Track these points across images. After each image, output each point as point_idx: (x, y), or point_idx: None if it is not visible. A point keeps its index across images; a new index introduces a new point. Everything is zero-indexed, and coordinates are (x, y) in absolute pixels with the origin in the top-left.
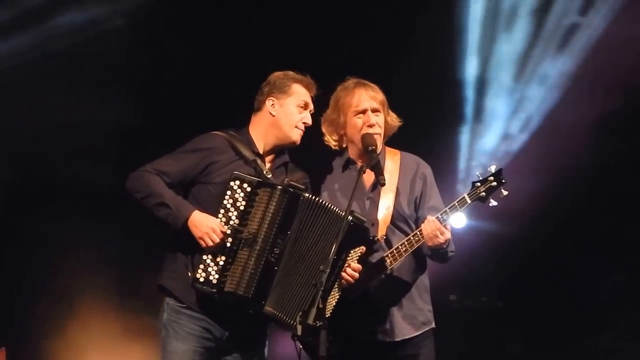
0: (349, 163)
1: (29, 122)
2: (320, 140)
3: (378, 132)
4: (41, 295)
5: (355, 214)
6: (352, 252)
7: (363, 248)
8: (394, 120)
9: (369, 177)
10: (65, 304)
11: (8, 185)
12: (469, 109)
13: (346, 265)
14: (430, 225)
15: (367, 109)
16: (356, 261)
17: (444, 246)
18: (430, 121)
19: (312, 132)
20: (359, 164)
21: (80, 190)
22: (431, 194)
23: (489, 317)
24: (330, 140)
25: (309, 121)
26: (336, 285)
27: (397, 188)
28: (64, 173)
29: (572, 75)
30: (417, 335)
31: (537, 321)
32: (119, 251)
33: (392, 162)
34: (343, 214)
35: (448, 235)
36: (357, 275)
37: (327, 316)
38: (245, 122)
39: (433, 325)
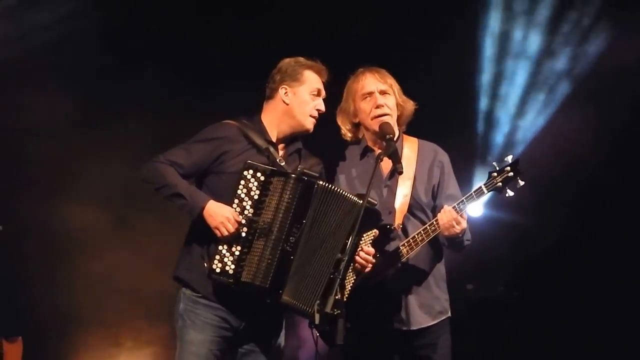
0: (366, 151)
1: None
2: (337, 127)
3: (387, 113)
4: (58, 286)
5: (368, 199)
6: (364, 235)
7: (376, 231)
8: (408, 104)
9: (386, 165)
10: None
11: None
12: (484, 97)
13: (359, 249)
14: (446, 215)
15: (373, 91)
16: (369, 245)
17: (460, 235)
18: (446, 108)
19: (329, 119)
20: (377, 151)
21: None
22: (449, 182)
23: (505, 306)
24: (346, 132)
25: (323, 108)
26: (350, 270)
27: (415, 176)
28: None
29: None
30: (434, 324)
31: (553, 310)
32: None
33: (410, 150)
34: (359, 201)
35: (464, 224)
36: (370, 258)
37: (343, 301)
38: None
39: (449, 314)
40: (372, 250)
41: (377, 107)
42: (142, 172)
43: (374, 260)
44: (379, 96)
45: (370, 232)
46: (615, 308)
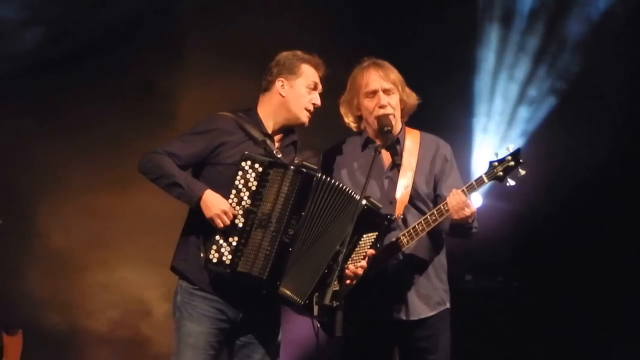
0: (368, 142)
1: None
2: (337, 118)
3: (390, 113)
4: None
5: (371, 199)
6: (364, 236)
7: (377, 234)
8: (411, 98)
9: (387, 156)
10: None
11: None
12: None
13: (358, 248)
14: (455, 198)
15: (377, 90)
16: (369, 246)
17: (470, 221)
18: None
19: (330, 111)
20: (378, 143)
21: None
22: (450, 174)
23: (504, 297)
24: (350, 122)
25: (318, 102)
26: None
27: (416, 167)
28: None
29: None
30: (433, 315)
31: (552, 301)
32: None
33: (412, 141)
34: (357, 195)
35: (474, 208)
36: (360, 272)
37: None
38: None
39: (448, 305)
40: (363, 263)
41: (381, 106)
42: (140, 164)
43: (360, 272)
44: (383, 95)
45: (372, 234)
46: (615, 298)
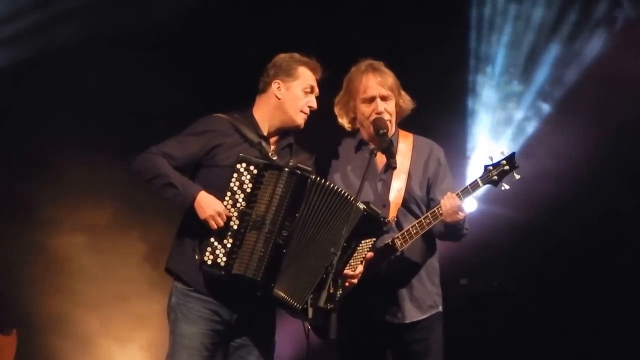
0: (361, 144)
1: None
2: (332, 121)
3: (387, 119)
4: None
5: (370, 205)
6: (363, 242)
7: (374, 239)
8: (407, 103)
9: (381, 158)
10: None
11: None
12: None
13: (357, 254)
14: (450, 201)
15: (375, 96)
16: (367, 251)
17: (461, 222)
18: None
19: (324, 113)
20: (371, 145)
21: None
22: (444, 177)
23: (499, 301)
24: (344, 123)
25: (315, 105)
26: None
27: (410, 170)
28: None
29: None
30: (426, 318)
31: (547, 305)
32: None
33: (405, 144)
34: (352, 197)
35: (466, 212)
36: (358, 276)
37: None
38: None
39: (440, 309)
40: (361, 268)
41: (378, 113)
42: (135, 163)
43: (358, 276)
44: (380, 102)
45: (370, 239)
46: (612, 302)
